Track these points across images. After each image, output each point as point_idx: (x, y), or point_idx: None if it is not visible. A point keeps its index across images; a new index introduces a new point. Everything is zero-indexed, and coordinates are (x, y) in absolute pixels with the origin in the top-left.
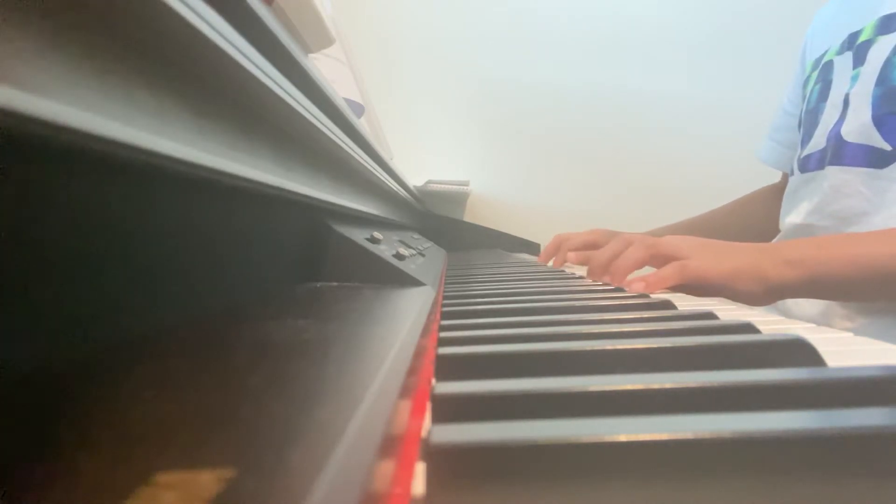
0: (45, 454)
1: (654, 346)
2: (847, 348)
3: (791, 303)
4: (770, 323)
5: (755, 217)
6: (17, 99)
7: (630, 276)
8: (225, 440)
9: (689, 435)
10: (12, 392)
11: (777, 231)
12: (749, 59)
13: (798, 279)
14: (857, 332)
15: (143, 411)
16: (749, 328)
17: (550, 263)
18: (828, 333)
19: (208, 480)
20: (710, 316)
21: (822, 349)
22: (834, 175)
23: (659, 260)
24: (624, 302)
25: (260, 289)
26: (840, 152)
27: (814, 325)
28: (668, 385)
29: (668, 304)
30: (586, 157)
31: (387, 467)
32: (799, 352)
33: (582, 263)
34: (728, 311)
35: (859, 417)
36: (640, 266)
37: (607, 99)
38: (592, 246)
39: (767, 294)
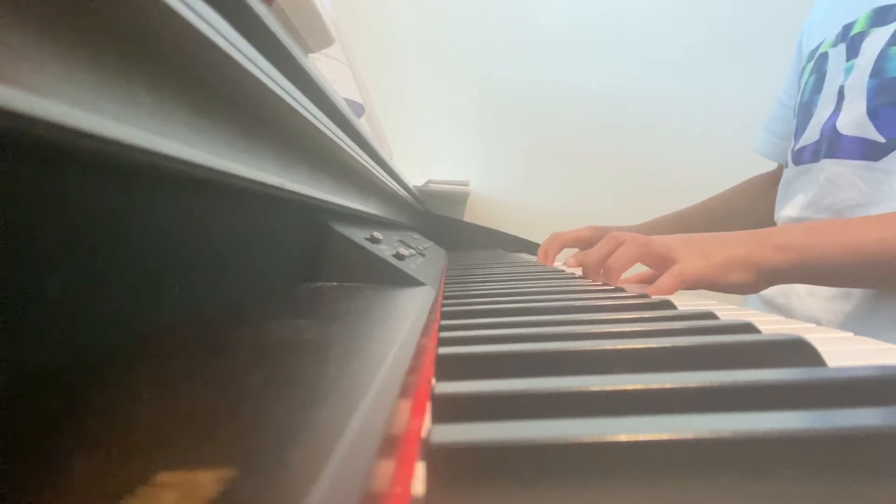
0: (45, 454)
1: (654, 345)
2: (847, 348)
3: (796, 300)
4: (770, 323)
5: (749, 205)
6: (17, 99)
7: (623, 275)
8: (225, 440)
9: (689, 435)
10: (12, 392)
11: (771, 219)
12: (748, 59)
13: (788, 264)
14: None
15: (143, 411)
16: (749, 328)
17: (556, 264)
18: (828, 333)
19: (208, 480)
20: (710, 316)
21: (822, 349)
22: (829, 168)
23: (651, 258)
24: (623, 302)
25: (260, 289)
26: (835, 145)
27: (814, 325)
28: (668, 385)
29: (667, 304)
30: (586, 157)
31: (387, 467)
32: (799, 352)
33: (579, 265)
34: (728, 311)
35: (859, 417)
36: (632, 264)
37: (607, 99)
38: (584, 242)
39: (759, 281)
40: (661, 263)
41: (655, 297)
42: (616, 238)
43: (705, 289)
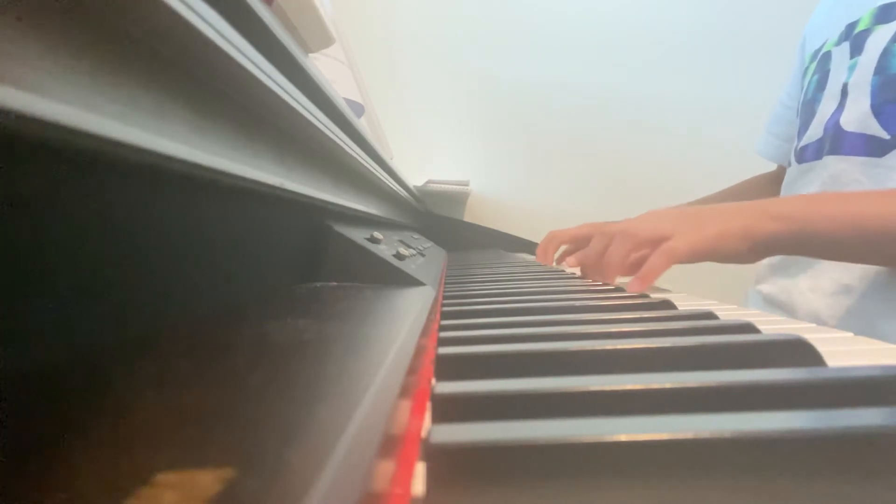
0: (45, 454)
1: (654, 345)
2: (847, 348)
3: (798, 296)
4: (770, 323)
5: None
6: (17, 99)
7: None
8: (225, 440)
9: (689, 435)
10: (12, 392)
11: None
12: (750, 59)
13: (783, 233)
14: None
15: (143, 411)
16: (749, 328)
17: (556, 264)
18: (828, 333)
19: (208, 480)
20: (710, 316)
21: (822, 349)
22: (833, 165)
23: (645, 245)
24: (623, 302)
25: (260, 289)
26: (839, 142)
27: (814, 325)
28: (668, 385)
29: (667, 304)
30: (586, 157)
31: (387, 467)
32: (799, 352)
33: (578, 266)
34: (728, 312)
35: (859, 417)
36: (627, 258)
37: (607, 99)
38: (582, 239)
39: (753, 251)
40: (655, 246)
41: (655, 297)
42: (607, 234)
43: (702, 261)
